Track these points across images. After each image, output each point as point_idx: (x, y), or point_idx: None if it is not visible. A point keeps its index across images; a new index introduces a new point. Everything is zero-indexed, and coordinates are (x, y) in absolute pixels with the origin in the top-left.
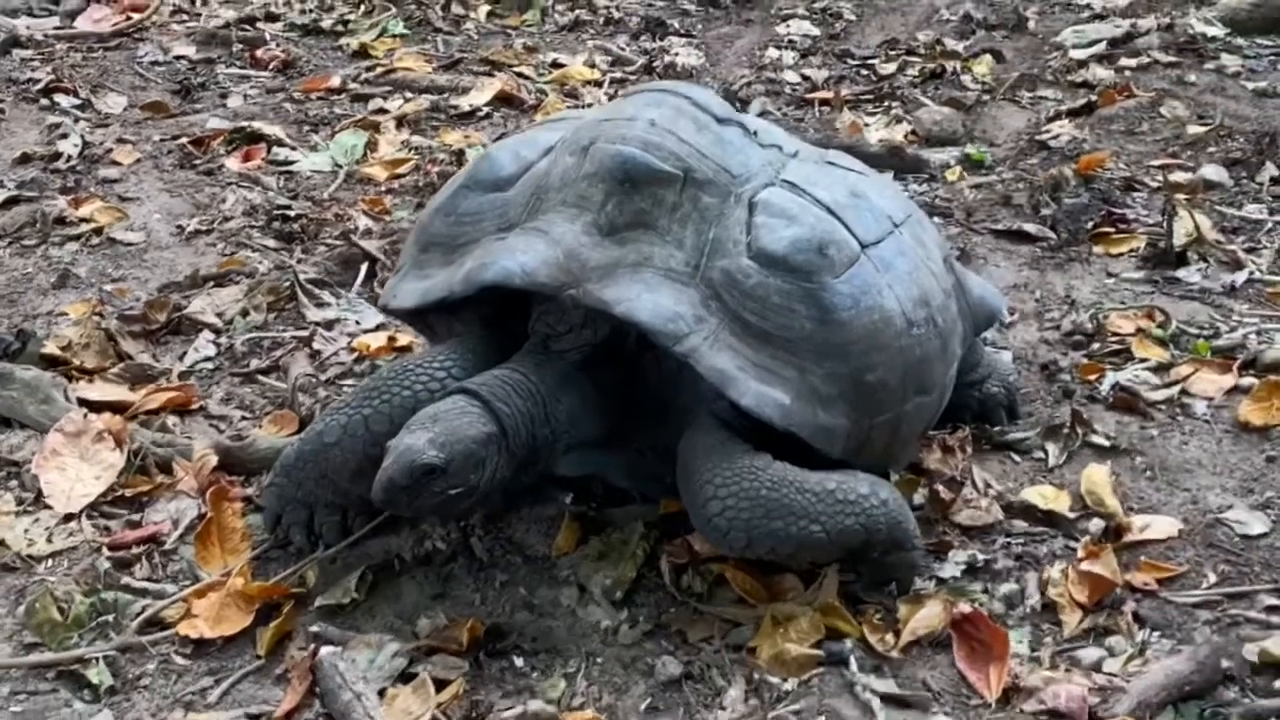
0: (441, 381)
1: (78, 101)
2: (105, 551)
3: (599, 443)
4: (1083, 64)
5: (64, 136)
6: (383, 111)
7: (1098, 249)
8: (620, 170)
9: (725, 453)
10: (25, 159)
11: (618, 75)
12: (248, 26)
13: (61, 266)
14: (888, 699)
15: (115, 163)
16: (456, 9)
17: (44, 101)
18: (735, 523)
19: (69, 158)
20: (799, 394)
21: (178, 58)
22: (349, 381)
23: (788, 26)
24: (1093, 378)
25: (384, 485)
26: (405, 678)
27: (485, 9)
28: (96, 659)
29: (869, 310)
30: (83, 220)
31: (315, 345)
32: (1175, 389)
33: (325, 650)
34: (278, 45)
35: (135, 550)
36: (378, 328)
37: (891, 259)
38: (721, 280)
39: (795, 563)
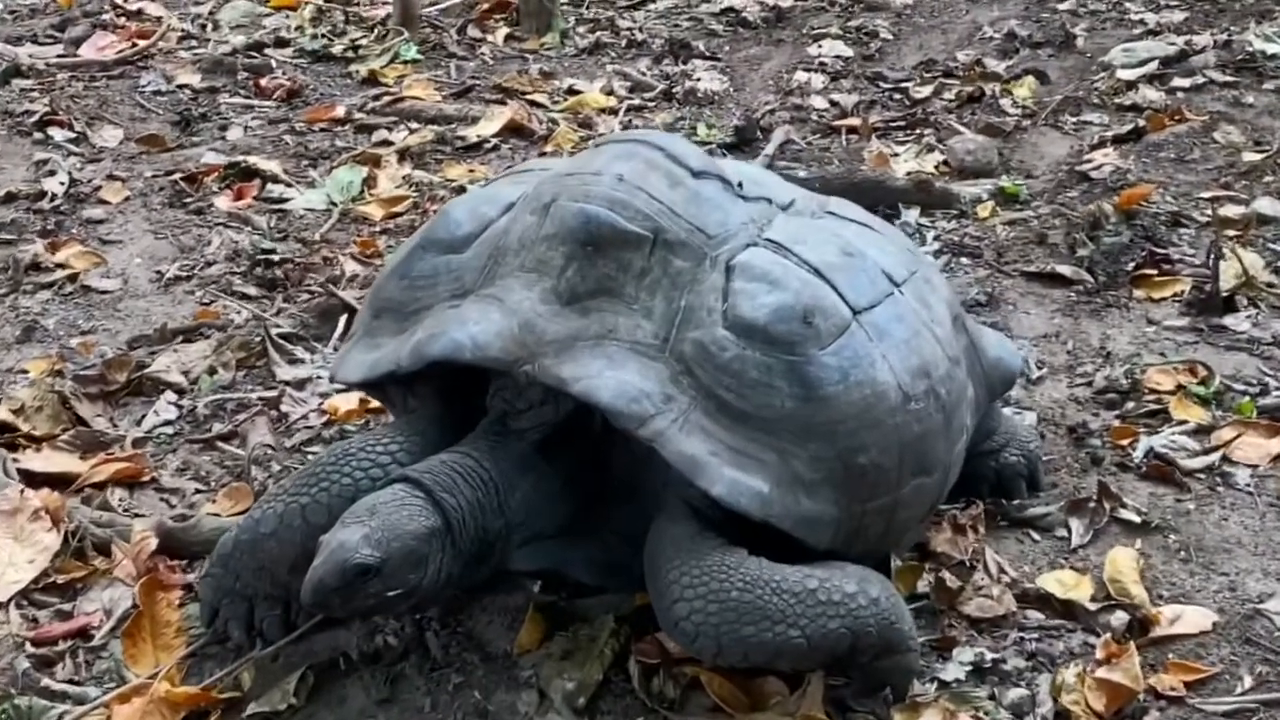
0: (385, 468)
1: (72, 135)
2: (27, 648)
3: (560, 533)
4: (1132, 85)
5: (51, 174)
6: (386, 144)
7: (1138, 293)
8: (583, 231)
9: (694, 548)
10: (9, 198)
11: (635, 102)
12: (255, 54)
13: (29, 318)
14: None
15: (102, 201)
16: (473, 32)
17: (38, 135)
18: (704, 628)
19: (54, 196)
20: (779, 480)
21: (180, 87)
22: (315, 448)
23: (819, 47)
24: (1125, 442)
25: (314, 587)
26: None
27: (504, 32)
28: None
29: (859, 384)
30: (59, 266)
31: (283, 407)
32: (1216, 455)
33: None
34: (284, 73)
35: (60, 646)
36: (345, 385)
37: (887, 325)
38: (694, 354)
39: (775, 668)
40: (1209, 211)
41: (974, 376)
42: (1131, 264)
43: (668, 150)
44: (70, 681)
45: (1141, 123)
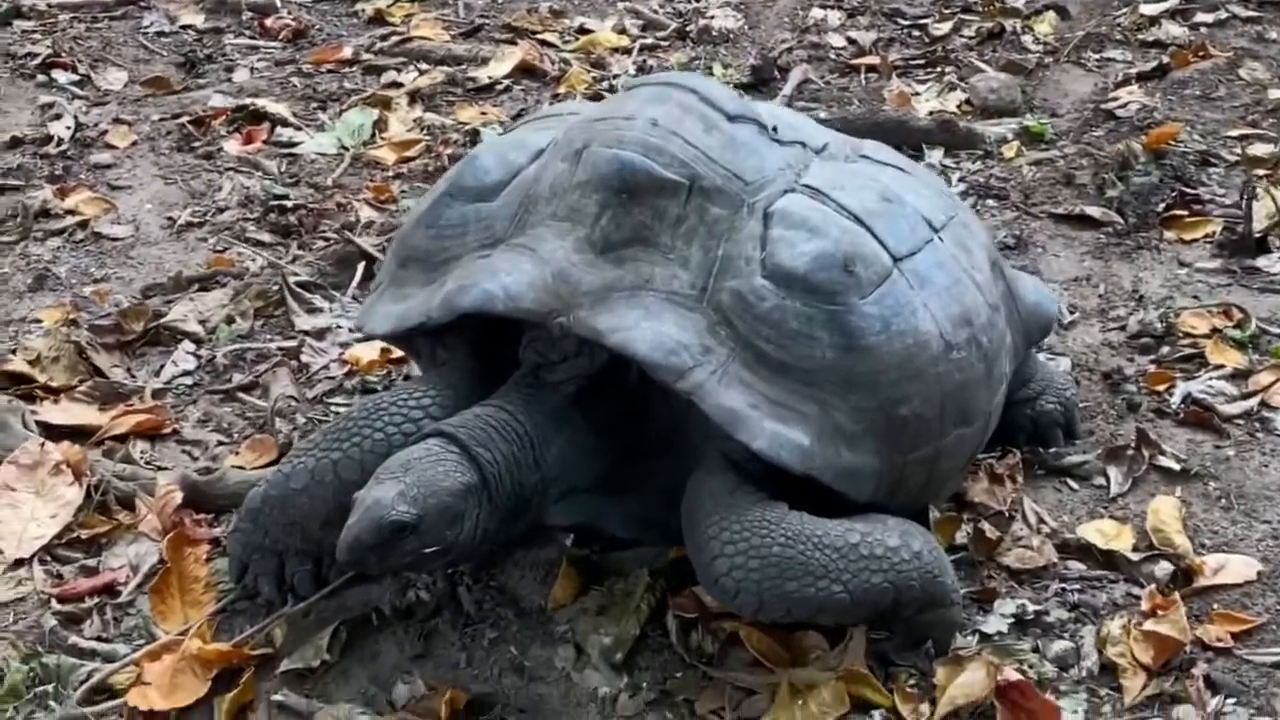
0: (418, 422)
1: (76, 78)
2: (54, 605)
3: (596, 487)
4: (1154, 20)
5: (57, 117)
6: (395, 85)
7: (1169, 234)
8: (616, 178)
9: (733, 502)
10: (15, 143)
11: (648, 41)
12: None
13: (41, 266)
14: None
15: (110, 145)
16: None
17: (41, 78)
18: (745, 584)
19: (60, 141)
20: (821, 433)
21: (184, 27)
22: (338, 400)
23: None
24: (1162, 388)
25: (349, 545)
26: None
27: None
28: None
29: (901, 334)
30: (68, 212)
31: (303, 357)
32: (1254, 400)
33: None
34: (289, 12)
35: (87, 603)
36: (371, 337)
37: (928, 273)
38: (732, 304)
39: (818, 623)
40: (1237, 150)
41: (1012, 324)
42: (1161, 204)
43: (702, 93)
44: (98, 639)
45: (1165, 60)
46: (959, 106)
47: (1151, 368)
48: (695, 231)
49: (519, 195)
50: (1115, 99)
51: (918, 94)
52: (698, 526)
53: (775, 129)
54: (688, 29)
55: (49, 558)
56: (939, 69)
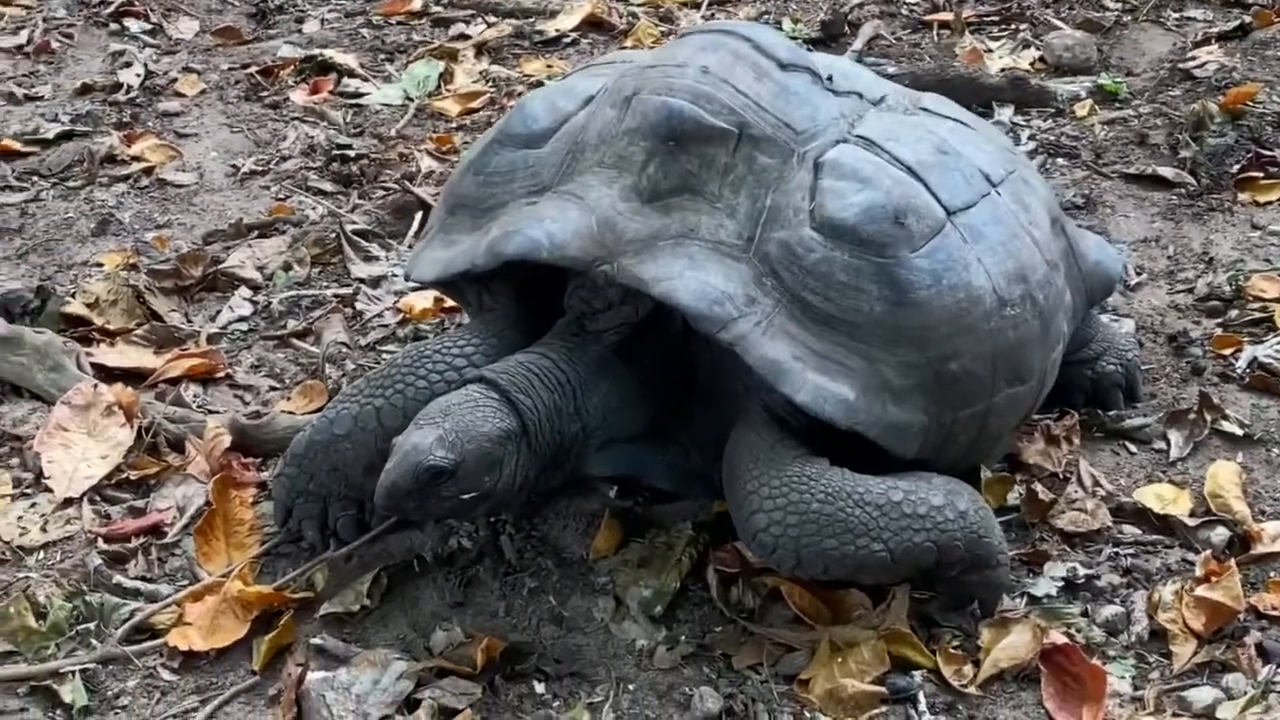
0: (461, 370)
1: (148, 26)
2: (100, 544)
3: (638, 438)
4: None
5: (127, 65)
6: (463, 38)
7: (1243, 196)
8: (665, 126)
9: (774, 457)
10: (86, 89)
11: None
12: None
13: (104, 211)
14: None
15: (178, 94)
16: None
17: (114, 26)
18: (783, 540)
19: (129, 89)
20: (866, 387)
21: None
22: (391, 347)
23: None
24: (1227, 352)
25: (387, 490)
26: (411, 703)
27: None
28: (72, 673)
29: (953, 289)
30: (134, 159)
31: (358, 304)
32: None
33: (312, 677)
34: None
35: (133, 543)
36: (420, 284)
37: (983, 227)
38: (779, 254)
39: (858, 581)
40: None
41: (1072, 282)
42: (1236, 166)
43: (755, 41)
44: (142, 578)
45: (1248, 19)
46: (1032, 64)
47: (1218, 331)
48: (743, 180)
49: (567, 142)
50: (1193, 58)
51: (990, 51)
52: (737, 481)
53: (830, 78)
54: None
55: (98, 498)
56: (1014, 26)
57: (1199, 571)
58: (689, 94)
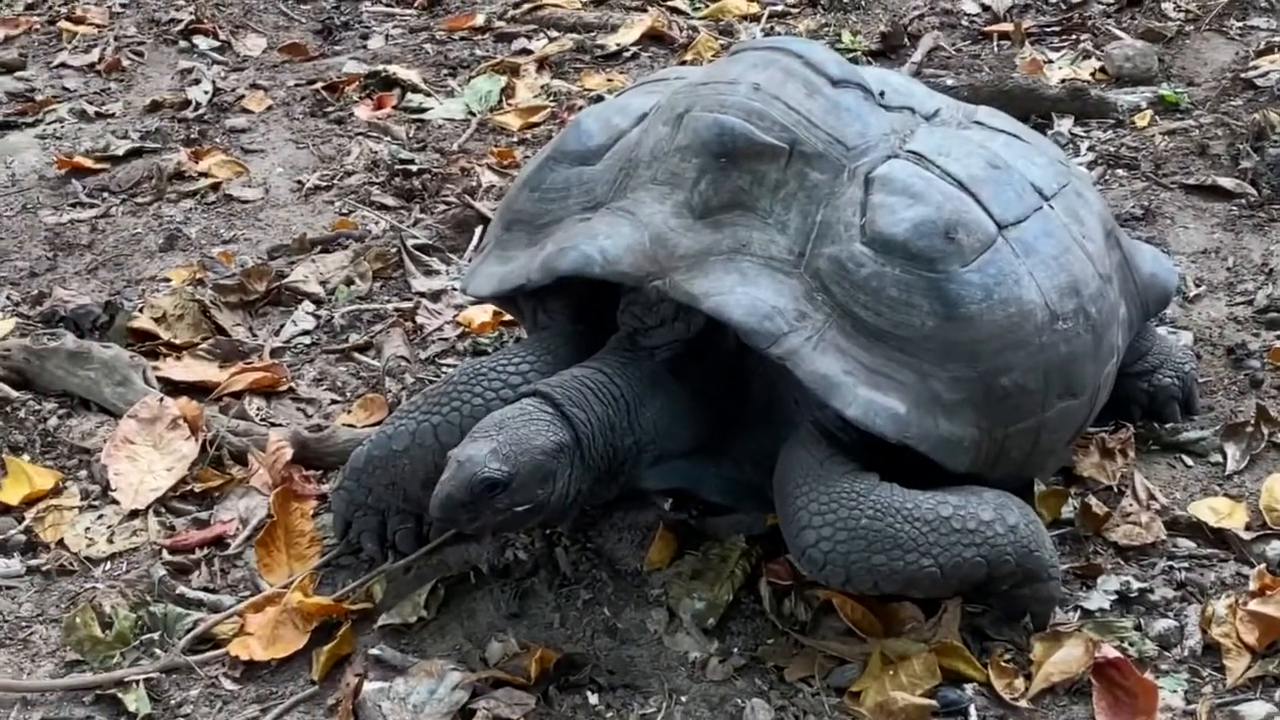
0: (516, 388)
1: (216, 44)
2: (164, 555)
3: (692, 452)
4: None
5: (196, 82)
6: (525, 52)
7: None
8: (716, 143)
9: (823, 473)
10: (155, 106)
11: (778, 8)
12: None
13: (172, 226)
14: None
15: (245, 110)
16: None
17: (183, 44)
18: (832, 556)
19: (198, 105)
20: (917, 401)
21: None
22: (450, 360)
23: None
24: None
25: (441, 501)
26: (466, 713)
27: None
28: (136, 682)
29: (1004, 303)
30: (201, 175)
31: (419, 318)
32: None
33: (369, 687)
34: None
35: (196, 554)
36: (476, 299)
37: (1035, 241)
38: (830, 270)
39: (908, 596)
40: None
41: (1127, 294)
42: None
43: (806, 58)
44: (205, 589)
45: None
46: (1093, 74)
47: (1277, 343)
48: (794, 196)
49: (621, 159)
50: (1256, 68)
51: (1050, 62)
52: (787, 497)
53: (883, 94)
54: None
55: (163, 509)
56: (1074, 36)
57: (1253, 585)
58: (740, 111)
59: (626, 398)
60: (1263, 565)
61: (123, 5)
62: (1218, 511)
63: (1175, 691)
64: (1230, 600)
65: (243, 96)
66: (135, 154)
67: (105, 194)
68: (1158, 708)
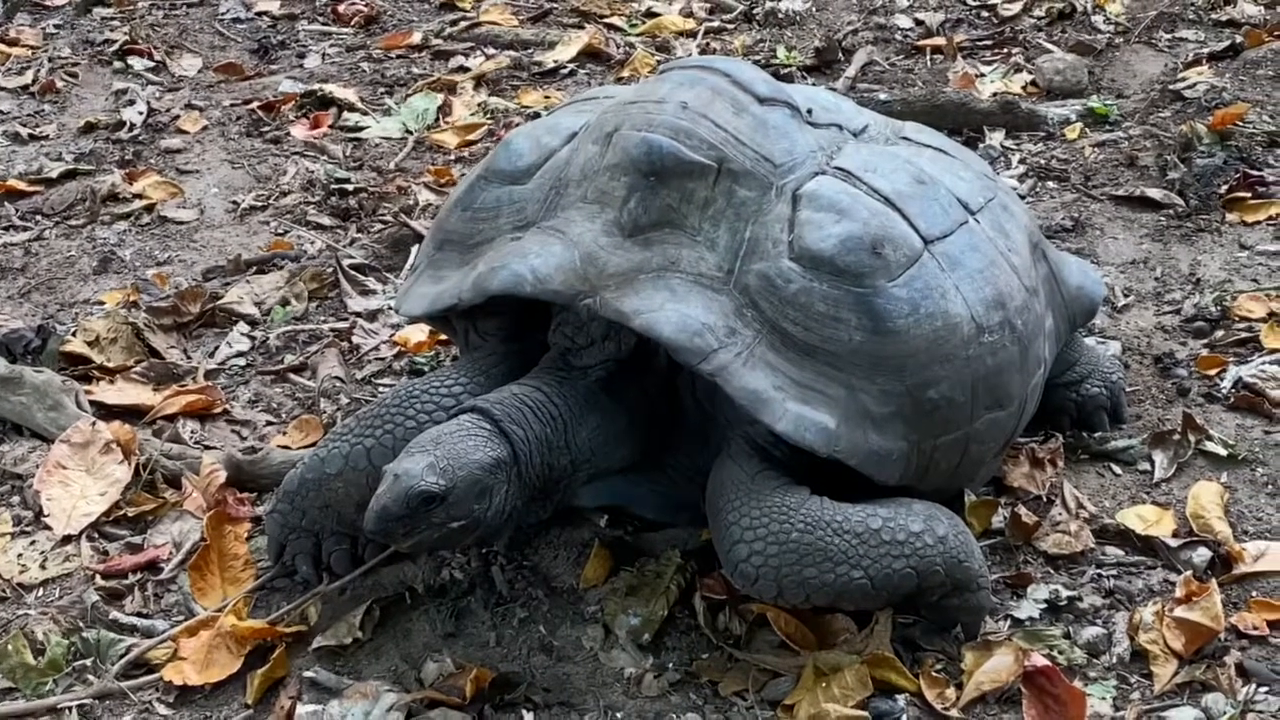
0: (449, 410)
1: (151, 64)
2: (97, 581)
3: (626, 469)
4: (1229, 0)
5: (130, 103)
6: (462, 70)
7: (1231, 217)
8: (645, 161)
9: (754, 488)
10: (89, 128)
11: (714, 24)
12: None
13: (106, 249)
14: None
15: (181, 131)
16: None
17: (118, 64)
18: (764, 570)
19: (132, 126)
20: (846, 415)
21: (260, 14)
22: (386, 380)
23: None
24: (1213, 372)
25: (377, 515)
26: None
27: None
28: (70, 709)
29: (930, 317)
30: (136, 196)
31: (355, 338)
32: None
33: (303, 709)
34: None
35: (130, 579)
36: (410, 319)
37: (960, 255)
38: (759, 286)
39: (840, 608)
40: None
41: (1053, 307)
42: (1224, 186)
43: (733, 76)
44: (139, 614)
45: (1239, 39)
46: (1024, 88)
47: (1204, 352)
48: (723, 214)
49: (551, 178)
50: (1184, 79)
51: (982, 75)
52: (719, 512)
53: (810, 111)
54: (754, 11)
55: (96, 534)
56: (1006, 50)
57: (1179, 592)
58: (668, 129)
59: (564, 417)
60: (1189, 572)
61: (56, 26)
62: (1145, 519)
63: (1104, 698)
64: (1157, 607)
65: (178, 117)
66: (69, 176)
67: (39, 217)
68: (1086, 715)
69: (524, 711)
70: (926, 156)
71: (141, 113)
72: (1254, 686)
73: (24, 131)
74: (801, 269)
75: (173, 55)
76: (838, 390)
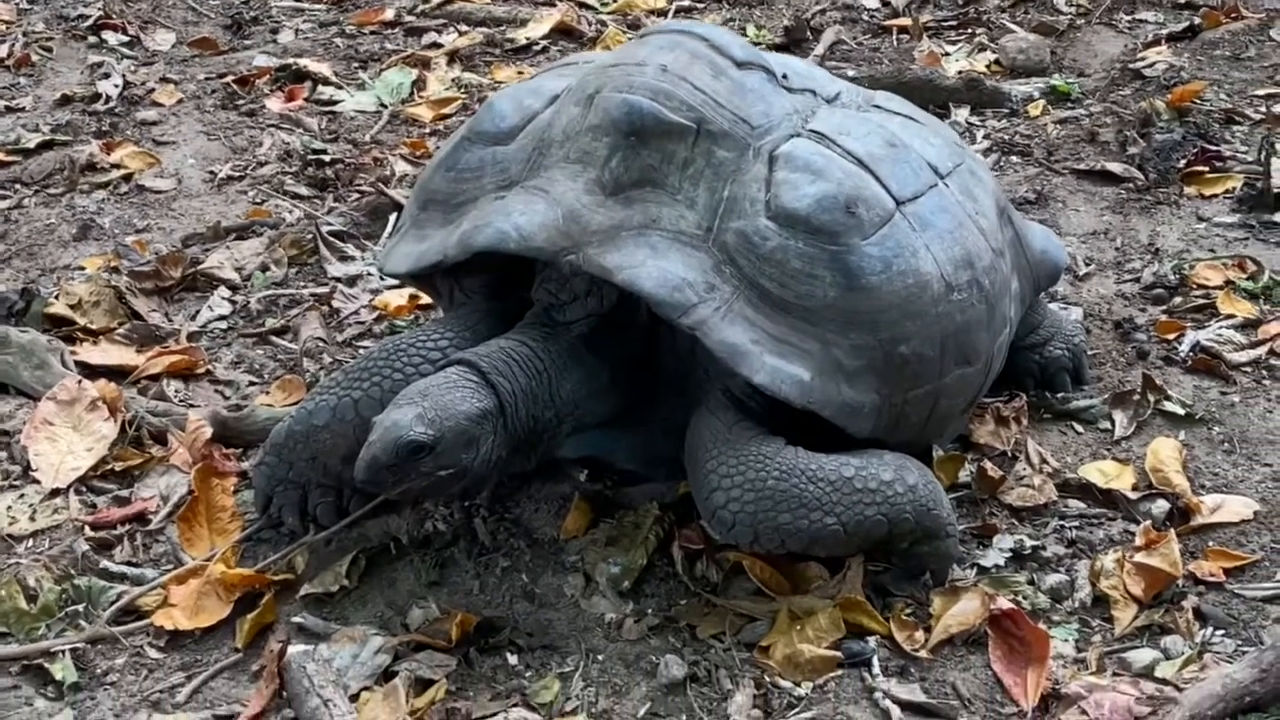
0: (435, 363)
1: (125, 39)
2: (87, 531)
3: (607, 422)
4: None
5: (106, 76)
6: (435, 46)
7: (1189, 190)
8: (626, 122)
9: (731, 438)
10: (65, 100)
11: (685, 3)
12: None
13: (85, 217)
14: (909, 707)
15: (156, 104)
16: None
17: (92, 39)
18: (740, 516)
19: (108, 99)
20: (821, 369)
21: None
22: (366, 342)
23: None
24: (1171, 337)
25: (367, 464)
26: (388, 676)
27: None
28: (63, 652)
29: (902, 274)
30: (114, 166)
31: (335, 303)
32: (1263, 349)
33: (294, 650)
34: None
35: (119, 530)
36: (400, 284)
37: (931, 216)
38: (736, 243)
39: (813, 554)
40: (1263, 109)
41: (1019, 270)
42: (1183, 161)
43: (711, 41)
44: (128, 563)
45: (1197, 20)
46: (988, 66)
47: (1163, 317)
48: (702, 174)
49: (534, 139)
50: (1144, 59)
51: (948, 54)
52: (697, 462)
53: (785, 76)
54: None
55: (84, 488)
56: (970, 30)
57: (1139, 541)
58: (649, 91)
59: (549, 370)
60: (1148, 522)
61: (30, 2)
62: (1106, 474)
63: (1067, 640)
64: (1118, 555)
65: (153, 90)
66: (46, 146)
67: (17, 186)
68: (1050, 655)
69: (508, 654)
70: (897, 123)
71: (117, 86)
72: (1210, 629)
73: (0, 104)
74: (778, 227)
75: (146, 30)
76: (813, 345)
